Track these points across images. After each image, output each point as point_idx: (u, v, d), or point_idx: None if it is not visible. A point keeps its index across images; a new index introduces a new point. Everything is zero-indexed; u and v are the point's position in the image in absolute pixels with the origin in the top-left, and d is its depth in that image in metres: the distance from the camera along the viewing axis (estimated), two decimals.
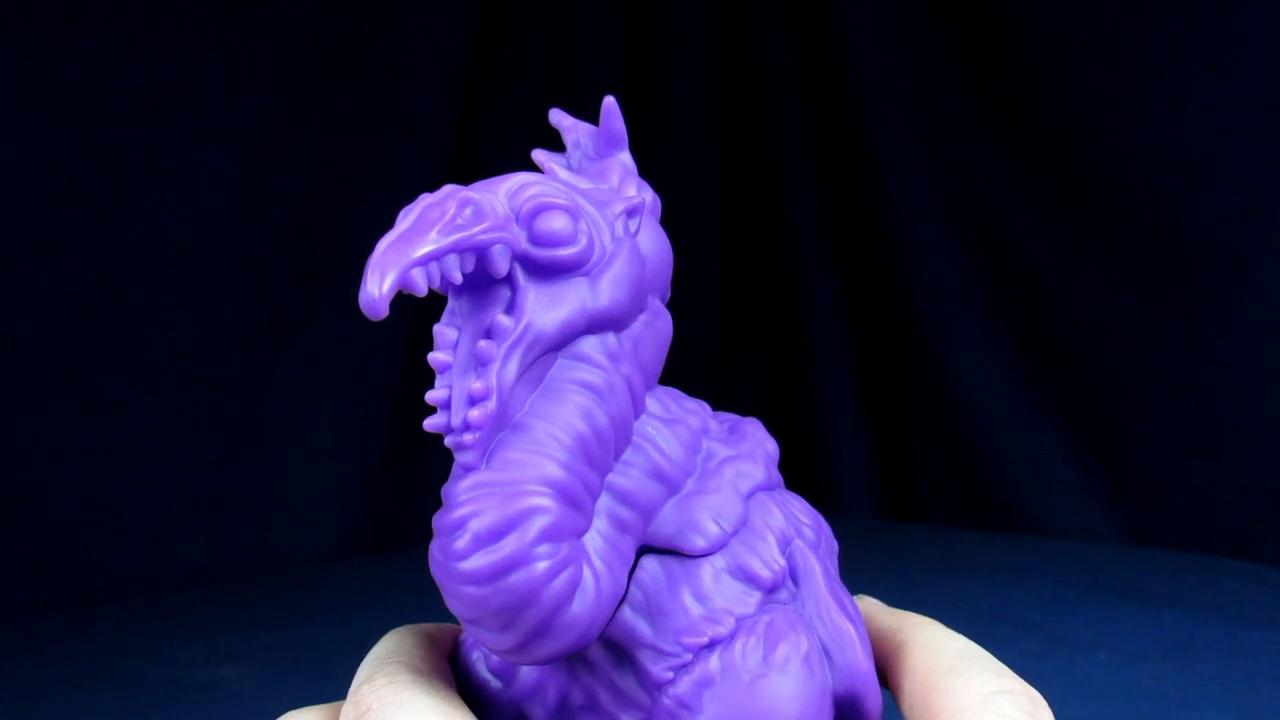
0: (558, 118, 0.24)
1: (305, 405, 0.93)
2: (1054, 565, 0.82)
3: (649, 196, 0.23)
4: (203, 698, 0.61)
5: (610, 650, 0.20)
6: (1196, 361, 0.86)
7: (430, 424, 0.19)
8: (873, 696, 0.21)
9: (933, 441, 1.03)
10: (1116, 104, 0.88)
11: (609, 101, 0.23)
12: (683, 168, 1.09)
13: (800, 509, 0.23)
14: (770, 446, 0.23)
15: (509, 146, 1.02)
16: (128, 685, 0.64)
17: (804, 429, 1.09)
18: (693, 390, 0.24)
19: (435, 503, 0.19)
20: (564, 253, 0.20)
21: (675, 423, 0.22)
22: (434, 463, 0.95)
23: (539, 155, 0.24)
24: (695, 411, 0.23)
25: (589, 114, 0.25)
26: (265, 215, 0.91)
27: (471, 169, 0.95)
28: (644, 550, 0.21)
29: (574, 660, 0.20)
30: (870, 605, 0.24)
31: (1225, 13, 0.83)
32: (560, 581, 0.18)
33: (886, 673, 0.22)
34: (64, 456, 0.82)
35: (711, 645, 0.20)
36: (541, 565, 0.18)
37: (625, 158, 0.23)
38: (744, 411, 0.24)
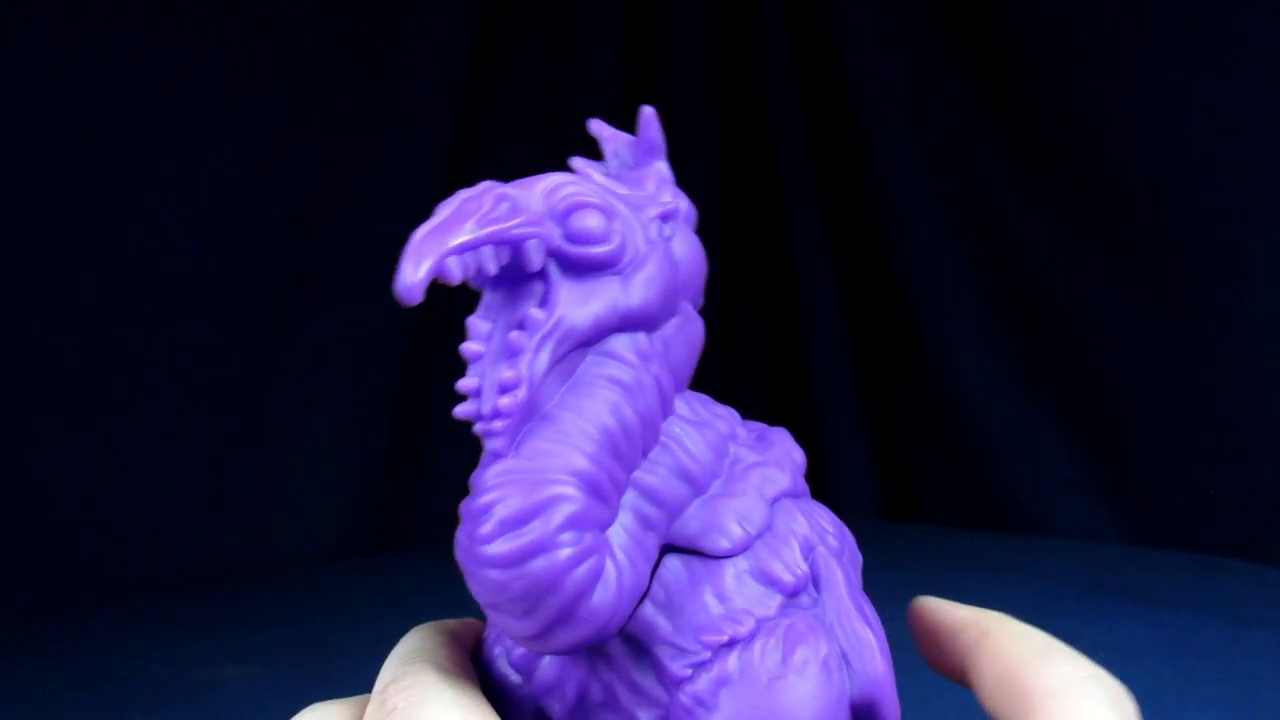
0: (598, 128, 0.25)
1: (305, 405, 0.93)
2: (1054, 565, 0.82)
3: (684, 204, 0.23)
4: (203, 698, 0.61)
5: (630, 645, 0.20)
6: (1196, 361, 0.86)
7: (460, 411, 0.20)
8: (891, 705, 0.21)
9: (933, 441, 1.03)
10: (1116, 104, 0.88)
11: (647, 111, 0.24)
12: (683, 168, 1.08)
13: (825, 518, 0.23)
14: (797, 455, 0.23)
15: (509, 146, 1.02)
16: (128, 685, 0.64)
17: (804, 429, 1.09)
18: (693, 389, 0.24)
19: (435, 503, 0.19)
20: (597, 250, 0.20)
21: (703, 426, 0.22)
22: (434, 463, 0.95)
23: (577, 162, 0.24)
24: (724, 417, 0.23)
25: (588, 113, 0.25)
26: (265, 215, 0.91)
27: (471, 169, 0.95)
28: (668, 549, 0.21)
29: (594, 655, 0.21)
30: (939, 601, 0.24)
31: (1225, 13, 0.83)
32: (582, 570, 0.19)
33: (965, 660, 0.22)
34: (64, 456, 0.82)
35: (731, 644, 0.20)
36: (564, 552, 0.18)
37: (662, 166, 0.24)
38: (744, 411, 0.24)
